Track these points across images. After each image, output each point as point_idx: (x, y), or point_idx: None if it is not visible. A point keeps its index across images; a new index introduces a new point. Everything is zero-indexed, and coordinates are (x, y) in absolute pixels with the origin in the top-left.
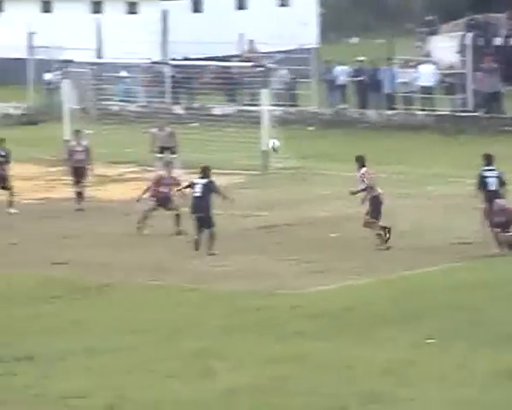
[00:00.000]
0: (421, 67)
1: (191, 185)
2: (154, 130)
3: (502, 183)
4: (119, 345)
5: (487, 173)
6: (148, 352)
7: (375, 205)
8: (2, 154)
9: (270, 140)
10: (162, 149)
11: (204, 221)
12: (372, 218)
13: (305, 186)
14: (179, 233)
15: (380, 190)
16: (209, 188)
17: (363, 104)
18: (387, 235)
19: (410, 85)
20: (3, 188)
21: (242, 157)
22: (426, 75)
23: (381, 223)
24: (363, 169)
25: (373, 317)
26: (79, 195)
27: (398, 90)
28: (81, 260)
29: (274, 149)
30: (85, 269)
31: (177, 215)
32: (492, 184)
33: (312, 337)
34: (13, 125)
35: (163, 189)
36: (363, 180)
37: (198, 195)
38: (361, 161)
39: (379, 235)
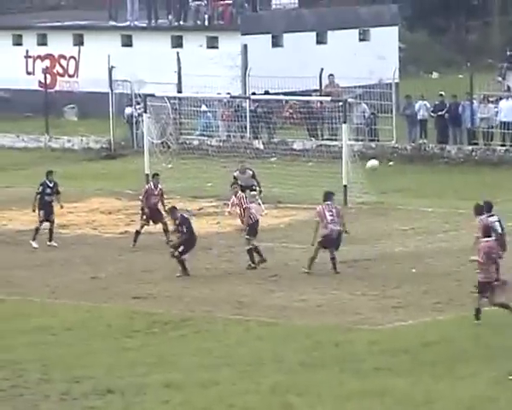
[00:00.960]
0: (502, 103)
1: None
2: (236, 173)
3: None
4: (199, 379)
5: (491, 219)
6: (228, 386)
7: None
8: (50, 185)
9: (369, 161)
10: (243, 189)
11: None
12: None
13: (385, 221)
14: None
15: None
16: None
17: (444, 139)
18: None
19: (490, 121)
20: (47, 220)
21: (322, 192)
22: (506, 110)
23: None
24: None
25: (453, 353)
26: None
27: (479, 126)
28: (162, 294)
29: (372, 169)
30: (165, 303)
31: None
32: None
33: (391, 373)
34: (93, 159)
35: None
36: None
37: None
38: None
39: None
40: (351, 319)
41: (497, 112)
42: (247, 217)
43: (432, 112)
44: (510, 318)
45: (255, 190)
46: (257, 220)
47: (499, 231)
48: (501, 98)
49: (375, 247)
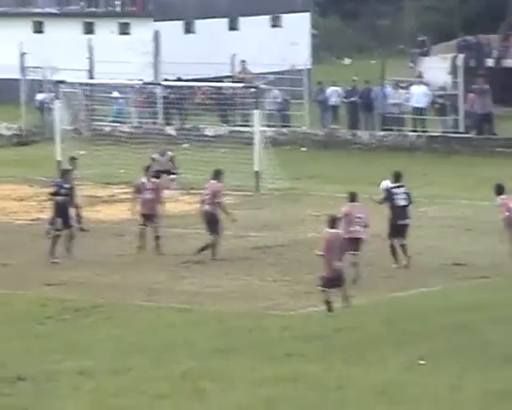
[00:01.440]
0: (413, 88)
1: None
2: (156, 155)
3: (410, 200)
4: (111, 366)
5: (396, 190)
6: (140, 373)
7: None
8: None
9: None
10: (159, 173)
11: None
12: None
13: (297, 207)
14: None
15: None
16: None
17: (356, 125)
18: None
19: (401, 106)
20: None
21: (234, 178)
22: (418, 96)
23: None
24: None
25: (365, 338)
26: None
27: (390, 111)
28: (74, 281)
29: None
30: (78, 290)
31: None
32: (401, 200)
33: (304, 359)
34: (4, 145)
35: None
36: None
37: None
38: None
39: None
40: (263, 304)
41: (408, 97)
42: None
43: (344, 98)
44: (422, 302)
45: (174, 174)
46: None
47: (401, 203)
48: (412, 84)
49: (288, 233)
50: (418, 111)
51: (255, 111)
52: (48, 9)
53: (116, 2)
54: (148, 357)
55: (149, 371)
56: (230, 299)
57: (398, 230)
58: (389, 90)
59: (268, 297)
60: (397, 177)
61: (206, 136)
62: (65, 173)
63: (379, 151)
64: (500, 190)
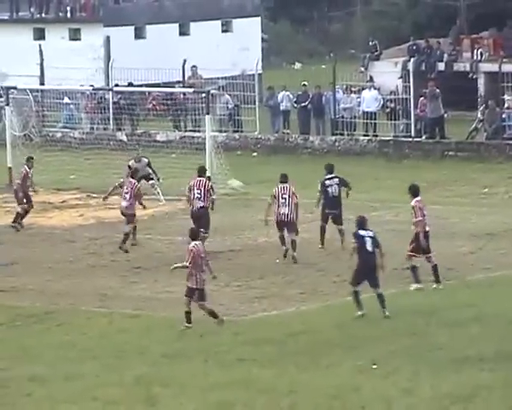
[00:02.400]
0: (364, 93)
1: None
2: (131, 162)
3: (344, 184)
4: (63, 372)
5: (328, 182)
6: (92, 379)
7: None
8: None
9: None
10: (141, 179)
11: None
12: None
13: (249, 212)
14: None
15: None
16: None
17: (307, 130)
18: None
19: (353, 111)
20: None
21: (184, 184)
22: (368, 100)
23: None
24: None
25: (317, 343)
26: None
27: (341, 116)
28: (25, 288)
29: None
30: (30, 296)
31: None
32: (333, 191)
33: (255, 364)
34: None
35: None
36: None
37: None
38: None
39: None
40: (215, 310)
41: (359, 102)
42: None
43: (295, 102)
44: (373, 306)
45: (152, 179)
46: None
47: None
48: (363, 88)
49: (238, 238)
50: (369, 115)
51: (206, 116)
52: None
53: (67, 8)
54: (101, 363)
55: (102, 376)
56: (181, 304)
57: (327, 217)
58: (340, 94)
59: (219, 302)
60: (329, 169)
61: (158, 141)
62: None
63: (330, 156)
64: (416, 191)
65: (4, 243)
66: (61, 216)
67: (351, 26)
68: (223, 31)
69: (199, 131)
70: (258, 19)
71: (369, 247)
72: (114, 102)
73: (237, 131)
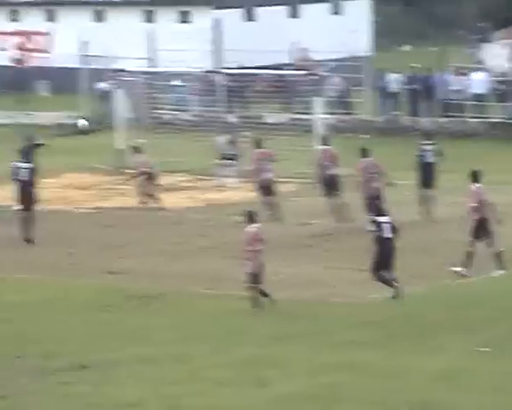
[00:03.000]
0: (474, 75)
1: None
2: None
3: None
4: (173, 353)
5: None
6: (201, 360)
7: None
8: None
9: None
10: (224, 157)
11: None
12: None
13: (357, 194)
14: None
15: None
16: None
17: (416, 112)
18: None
19: (462, 93)
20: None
21: (295, 165)
22: (478, 82)
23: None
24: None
25: (425, 325)
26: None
27: (451, 98)
28: (136, 269)
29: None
30: (140, 278)
31: None
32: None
33: (364, 346)
34: (66, 134)
35: None
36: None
37: None
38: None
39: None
40: (324, 292)
41: (469, 84)
42: None
43: (404, 85)
44: (483, 289)
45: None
46: None
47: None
48: (473, 71)
49: (348, 220)
50: (479, 97)
51: (316, 98)
52: None
53: None
54: (209, 344)
55: (210, 358)
56: (292, 286)
57: None
58: (450, 76)
59: (330, 285)
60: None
61: (267, 123)
62: None
63: (440, 137)
64: (476, 177)
65: (115, 225)
66: (171, 198)
67: (460, 8)
68: (332, 13)
69: (309, 114)
70: (368, 1)
71: (387, 233)
72: (224, 85)
73: (347, 114)
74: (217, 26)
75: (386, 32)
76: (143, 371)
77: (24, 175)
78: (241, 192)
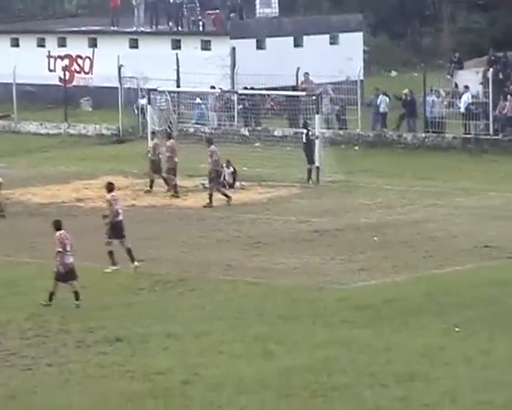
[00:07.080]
0: (463, 96)
1: None
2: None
3: None
4: (194, 330)
5: None
6: (218, 336)
7: None
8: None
9: None
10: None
11: None
12: None
13: (351, 197)
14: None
15: None
16: None
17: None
18: None
19: (440, 112)
20: None
21: (298, 172)
22: (464, 103)
23: None
24: None
25: (408, 308)
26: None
27: (432, 116)
28: (163, 258)
29: None
30: (167, 265)
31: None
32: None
33: (356, 325)
34: (104, 143)
35: None
36: None
37: None
38: None
39: None
40: (322, 279)
41: (445, 104)
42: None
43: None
44: (456, 278)
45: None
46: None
47: None
48: (453, 93)
49: (342, 218)
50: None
51: (316, 116)
52: (142, 29)
53: (199, 23)
54: (225, 323)
55: (226, 334)
56: (294, 274)
57: None
58: (432, 97)
59: (326, 273)
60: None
61: (275, 136)
62: None
63: (421, 150)
64: None
65: (145, 220)
66: (194, 198)
67: (439, 40)
68: (330, 43)
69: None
70: (361, 33)
71: None
72: (239, 103)
73: (342, 129)
74: (233, 53)
75: (376, 61)
76: (169, 344)
77: None
78: (250, 194)
